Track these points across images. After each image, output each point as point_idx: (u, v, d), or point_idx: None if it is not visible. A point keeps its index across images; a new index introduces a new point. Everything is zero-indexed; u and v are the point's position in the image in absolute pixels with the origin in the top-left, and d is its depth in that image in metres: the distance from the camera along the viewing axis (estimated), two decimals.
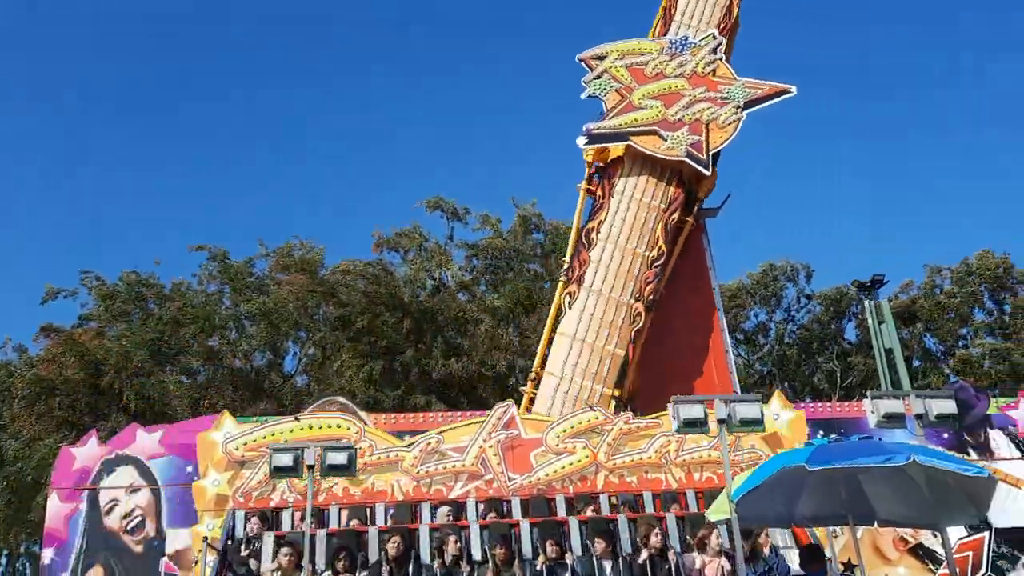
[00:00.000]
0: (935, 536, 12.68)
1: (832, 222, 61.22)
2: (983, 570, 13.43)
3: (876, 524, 8.82)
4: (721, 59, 14.31)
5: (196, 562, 10.37)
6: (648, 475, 11.21)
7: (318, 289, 22.13)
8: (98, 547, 12.43)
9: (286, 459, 9.06)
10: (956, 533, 13.30)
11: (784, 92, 13.92)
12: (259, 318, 22.15)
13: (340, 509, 10.56)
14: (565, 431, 11.46)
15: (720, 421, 8.70)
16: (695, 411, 8.68)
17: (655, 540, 8.62)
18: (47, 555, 12.45)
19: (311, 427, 11.44)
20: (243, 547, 9.48)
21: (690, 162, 13.77)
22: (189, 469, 12.92)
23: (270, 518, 10.30)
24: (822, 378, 30.70)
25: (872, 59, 63.57)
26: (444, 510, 10.25)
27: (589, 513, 10.14)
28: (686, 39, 14.30)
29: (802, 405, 15.27)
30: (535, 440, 11.30)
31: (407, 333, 22.75)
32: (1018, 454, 14.24)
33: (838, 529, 12.98)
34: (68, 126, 61.35)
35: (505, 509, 10.53)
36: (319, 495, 10.52)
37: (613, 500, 10.67)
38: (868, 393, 9.22)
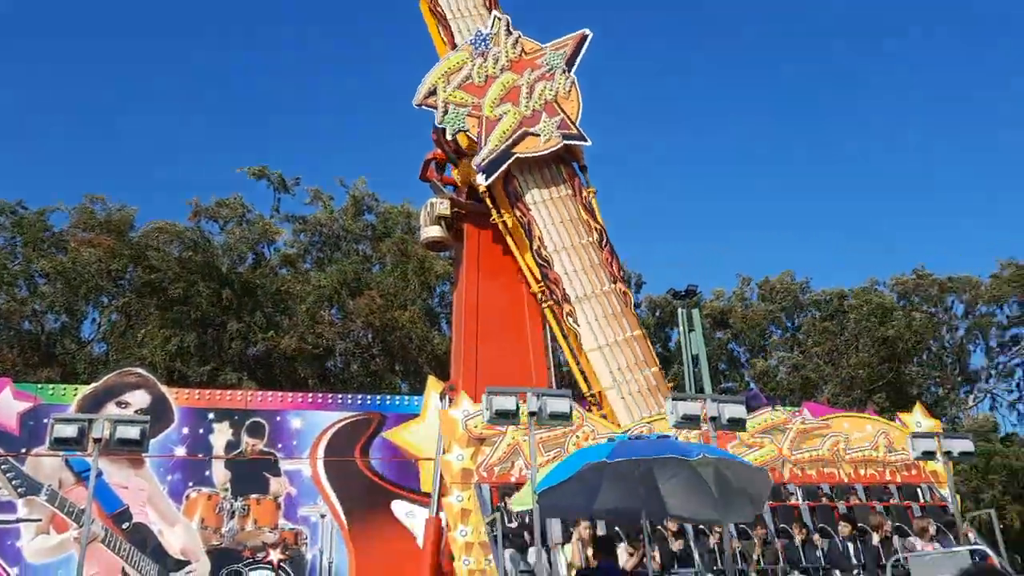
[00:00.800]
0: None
1: (660, 235, 64.37)
2: None
3: (667, 519, 9.31)
4: (519, 35, 14.59)
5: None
6: (825, 469, 12.60)
7: (126, 252, 20.54)
8: None
9: (69, 431, 8.35)
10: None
11: (583, 38, 14.64)
12: (55, 277, 20.31)
13: None
14: (755, 427, 12.40)
15: (531, 414, 8.86)
16: (507, 403, 8.78)
17: (886, 526, 11.10)
18: None
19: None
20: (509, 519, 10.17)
21: (571, 143, 14.15)
22: None
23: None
24: None
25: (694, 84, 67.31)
26: None
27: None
28: (482, 33, 14.38)
29: None
30: (729, 435, 11.52)
31: (225, 306, 21.65)
32: None
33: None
34: None
35: None
36: None
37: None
38: (670, 395, 9.71)
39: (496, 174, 13.63)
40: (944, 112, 65.20)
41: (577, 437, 11.51)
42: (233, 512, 12.44)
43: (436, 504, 12.26)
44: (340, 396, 14.43)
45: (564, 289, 13.58)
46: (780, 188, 64.63)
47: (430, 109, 13.82)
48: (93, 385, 12.86)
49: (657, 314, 32.42)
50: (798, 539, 11.26)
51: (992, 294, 32.11)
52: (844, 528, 11.39)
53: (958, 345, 34.38)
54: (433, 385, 14.01)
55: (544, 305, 13.98)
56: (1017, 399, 35.60)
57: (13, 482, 11.70)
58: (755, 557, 10.90)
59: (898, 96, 63.56)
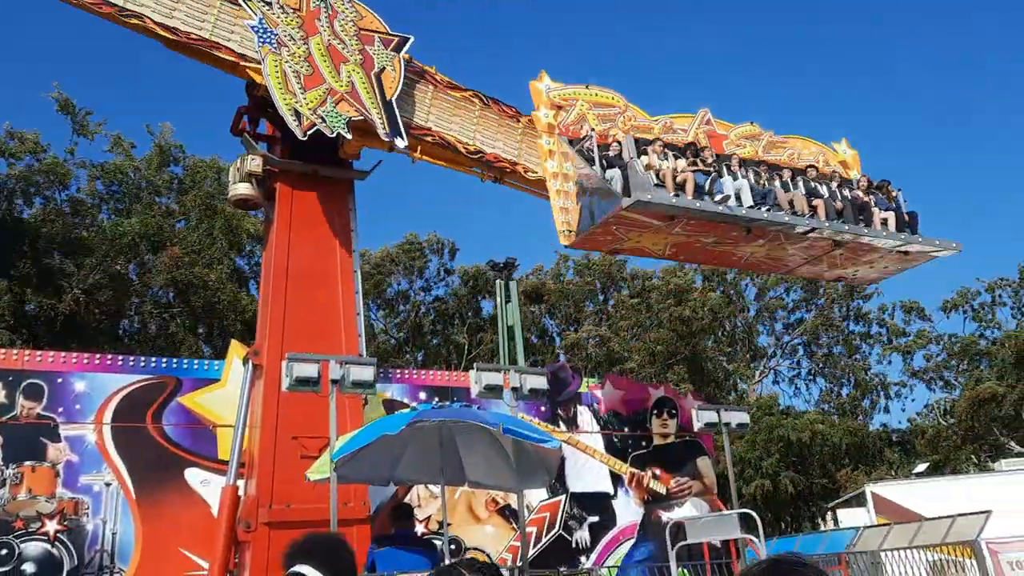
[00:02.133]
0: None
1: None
2: (556, 529, 15.23)
3: (467, 485, 9.52)
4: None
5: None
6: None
7: None
8: None
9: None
10: (539, 496, 14.94)
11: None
12: None
13: None
14: (738, 135, 15.70)
15: (333, 381, 8.73)
16: (309, 370, 8.61)
17: None
18: None
19: (596, 95, 14.48)
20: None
21: (402, 52, 13.75)
22: None
23: None
24: (452, 349, 32.59)
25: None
26: None
27: None
28: (254, 26, 12.47)
29: (415, 374, 16.02)
30: (723, 135, 15.44)
31: (12, 257, 19.59)
32: (597, 428, 16.34)
33: (437, 490, 13.87)
34: None
35: None
36: None
37: None
38: (475, 366, 9.87)
39: (403, 130, 13.13)
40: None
41: (624, 117, 14.50)
42: (4, 480, 11.42)
43: (233, 472, 11.84)
44: (132, 358, 13.48)
45: (506, 158, 14.26)
46: None
47: (314, 131, 12.56)
48: None
49: (470, 284, 32.89)
50: None
51: (780, 279, 35.15)
52: None
53: (749, 325, 37.45)
54: (236, 349, 13.46)
55: (505, 182, 14.63)
56: (796, 375, 39.39)
57: None
58: None
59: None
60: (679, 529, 10.42)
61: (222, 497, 11.71)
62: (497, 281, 23.55)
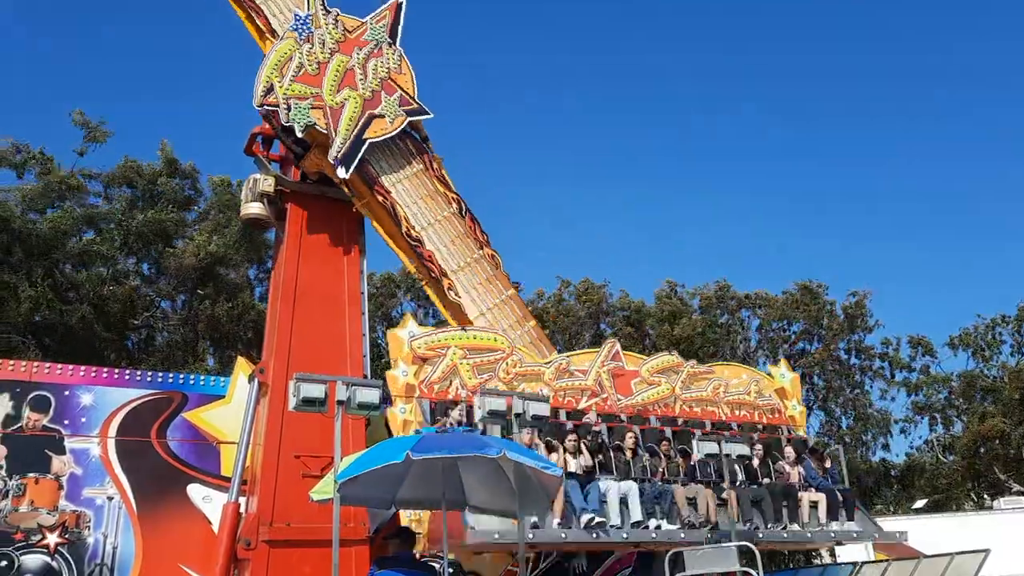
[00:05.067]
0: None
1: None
2: (554, 555, 15.19)
3: (468, 510, 9.58)
4: (337, 12, 14.13)
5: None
6: (707, 407, 14.57)
7: None
8: None
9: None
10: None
11: (398, 6, 14.19)
12: None
13: None
14: (653, 368, 14.40)
15: (339, 402, 8.84)
16: (316, 390, 8.72)
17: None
18: None
19: (474, 337, 13.05)
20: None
21: (414, 118, 13.93)
22: None
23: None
24: None
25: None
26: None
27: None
28: (300, 16, 13.46)
29: None
30: (634, 372, 14.22)
31: (15, 264, 19.74)
32: None
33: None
34: None
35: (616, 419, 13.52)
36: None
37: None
38: (480, 391, 9.97)
39: (354, 164, 13.35)
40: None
41: (507, 364, 13.09)
42: (7, 492, 11.49)
43: (236, 489, 11.92)
44: (139, 372, 13.61)
45: (439, 264, 13.83)
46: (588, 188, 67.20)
47: (272, 108, 13.03)
48: None
49: None
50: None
51: (782, 312, 35.25)
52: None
53: (751, 355, 37.45)
54: (242, 366, 13.58)
55: (424, 284, 14.50)
56: None
57: None
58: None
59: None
60: (677, 558, 10.45)
61: (223, 514, 11.78)
62: None
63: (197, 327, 22.43)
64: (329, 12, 13.78)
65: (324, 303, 13.35)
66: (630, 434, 12.49)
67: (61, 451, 11.98)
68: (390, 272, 31.78)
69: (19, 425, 11.85)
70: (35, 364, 12.82)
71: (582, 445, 11.79)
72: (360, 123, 13.60)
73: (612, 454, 12.21)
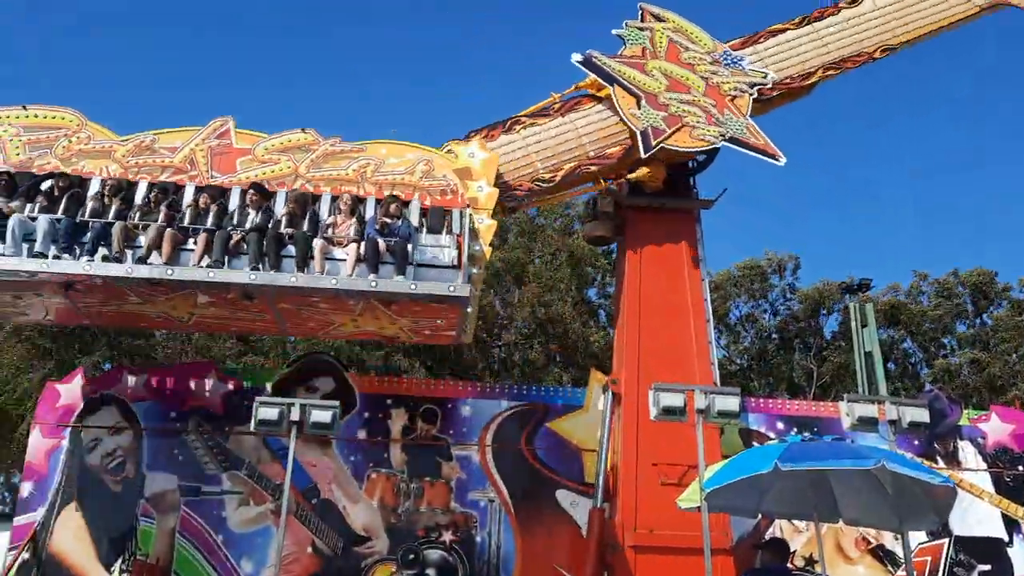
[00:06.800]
0: (896, 539, 13.04)
1: (819, 218, 61.42)
2: (940, 575, 13.82)
3: (841, 523, 9.09)
4: (752, 95, 14.11)
5: None
6: (342, 188, 11.76)
7: None
8: (77, 484, 12.62)
9: (271, 413, 9.21)
10: (917, 537, 13.67)
11: (773, 157, 13.40)
12: None
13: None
14: (274, 146, 12.02)
15: (699, 411, 8.91)
16: (675, 399, 8.87)
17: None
18: (26, 488, 12.62)
19: (35, 116, 11.72)
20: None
21: (638, 136, 13.21)
22: (173, 414, 13.11)
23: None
24: (800, 374, 31.09)
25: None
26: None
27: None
28: (740, 58, 14.19)
29: (771, 403, 15.53)
30: (245, 150, 11.94)
31: None
32: (984, 465, 14.59)
33: (802, 524, 13.34)
34: None
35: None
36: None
37: None
38: (845, 396, 9.42)
39: (588, 70, 13.63)
40: None
41: (70, 141, 11.56)
42: (409, 493, 13.22)
43: (600, 495, 12.51)
44: (507, 386, 14.93)
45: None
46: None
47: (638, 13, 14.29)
48: (286, 370, 14.01)
49: (812, 305, 31.10)
50: None
51: None
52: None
53: None
54: (596, 378, 14.22)
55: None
56: None
57: (218, 457, 12.98)
58: None
59: None
60: None
61: (590, 519, 12.43)
62: (851, 304, 22.21)
63: (548, 346, 24.03)
64: (746, 91, 13.93)
65: (669, 312, 13.54)
66: None
67: (448, 458, 13.50)
68: (728, 271, 31.28)
69: (414, 435, 13.57)
70: (424, 381, 14.66)
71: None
72: (631, 82, 13.74)
73: None
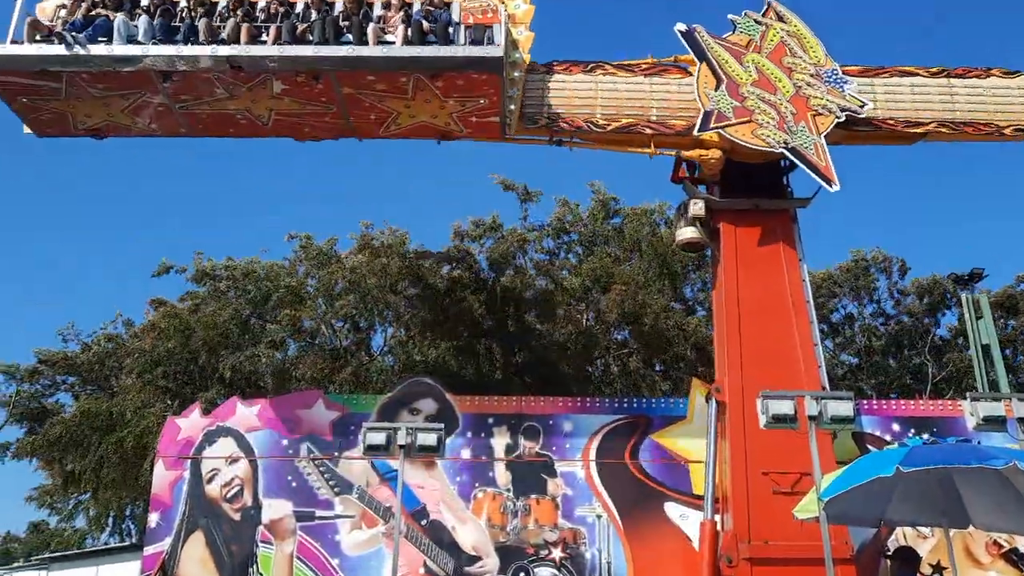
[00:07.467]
0: None
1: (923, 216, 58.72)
2: None
3: (971, 528, 8.63)
4: (839, 118, 13.63)
5: None
6: None
7: (404, 271, 22.50)
8: (199, 514, 13.19)
9: (379, 438, 9.44)
10: None
11: (828, 181, 12.87)
12: (346, 291, 22.77)
13: None
14: None
15: (811, 418, 8.63)
16: (785, 407, 8.63)
17: None
18: (153, 519, 13.29)
19: None
20: None
21: (701, 114, 13.31)
22: (285, 442, 13.55)
23: None
24: (907, 374, 29.71)
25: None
26: None
27: None
28: (845, 81, 13.64)
29: (885, 404, 14.91)
30: None
31: (499, 317, 22.99)
32: None
33: (926, 530, 12.73)
34: None
35: None
36: None
37: None
38: (968, 395, 8.94)
39: (690, 42, 13.64)
40: None
41: None
42: (516, 511, 13.26)
43: (710, 507, 12.24)
44: (607, 400, 14.83)
45: None
46: None
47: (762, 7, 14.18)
48: (389, 395, 14.31)
49: (925, 300, 29.68)
50: None
51: None
52: None
53: None
54: (697, 387, 13.97)
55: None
56: None
57: (330, 482, 13.34)
58: None
59: None
60: None
61: (701, 531, 12.17)
62: (963, 295, 21.09)
63: (641, 341, 23.73)
64: (833, 113, 13.49)
65: (769, 315, 13.16)
66: None
67: (553, 474, 13.49)
68: (829, 270, 30.22)
69: (518, 453, 13.62)
70: (523, 398, 14.69)
71: None
72: (722, 62, 13.63)
73: None
